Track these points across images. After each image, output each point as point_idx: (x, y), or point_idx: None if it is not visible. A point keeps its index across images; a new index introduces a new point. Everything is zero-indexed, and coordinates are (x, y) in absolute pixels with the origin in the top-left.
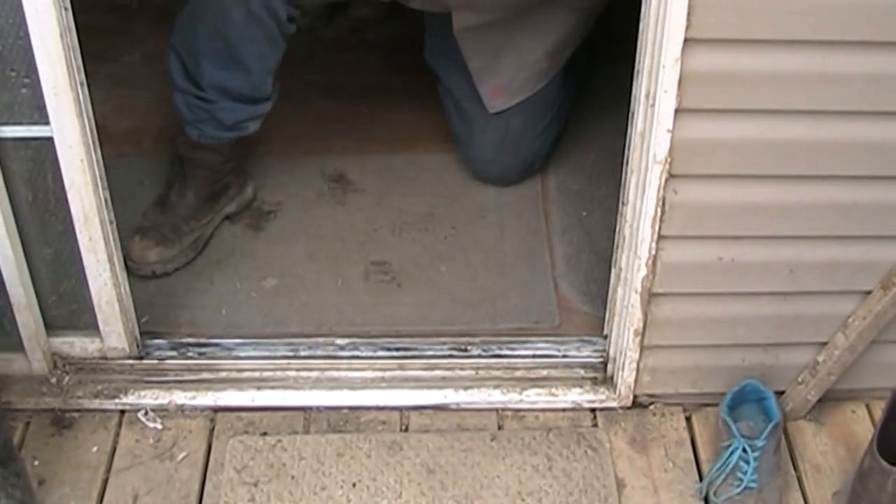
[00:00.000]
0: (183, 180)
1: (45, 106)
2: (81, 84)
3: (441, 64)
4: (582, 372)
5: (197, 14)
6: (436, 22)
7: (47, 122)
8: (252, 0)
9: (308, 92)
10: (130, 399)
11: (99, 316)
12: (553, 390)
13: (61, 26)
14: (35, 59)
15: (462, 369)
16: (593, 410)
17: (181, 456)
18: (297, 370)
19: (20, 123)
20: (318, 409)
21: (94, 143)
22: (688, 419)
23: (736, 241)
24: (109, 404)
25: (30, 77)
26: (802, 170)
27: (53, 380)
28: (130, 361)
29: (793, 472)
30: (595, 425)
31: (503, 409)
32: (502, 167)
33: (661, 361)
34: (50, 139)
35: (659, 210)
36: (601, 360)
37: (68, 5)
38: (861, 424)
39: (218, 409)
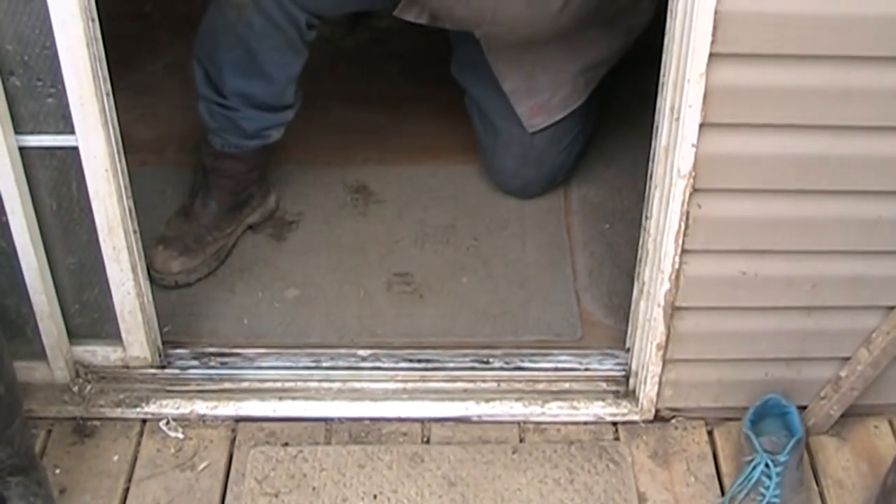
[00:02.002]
0: (207, 190)
1: (70, 115)
2: (107, 94)
3: (468, 76)
4: (604, 385)
5: (217, 23)
6: (464, 35)
7: (73, 132)
8: (271, 8)
9: (330, 102)
10: (152, 408)
11: (121, 325)
12: (575, 403)
13: (87, 36)
14: (61, 69)
15: (484, 381)
16: (615, 424)
17: (202, 466)
18: (319, 381)
19: (46, 133)
20: (340, 420)
21: (118, 152)
22: (710, 433)
23: (759, 255)
24: (131, 413)
25: (56, 87)
26: (826, 185)
27: (75, 388)
28: (152, 371)
29: (815, 487)
30: (617, 439)
31: (525, 422)
32: (525, 180)
33: (684, 375)
34: (75, 149)
35: (682, 224)
36: (623, 373)
37: (95, 16)
38: (884, 440)
39: (239, 419)
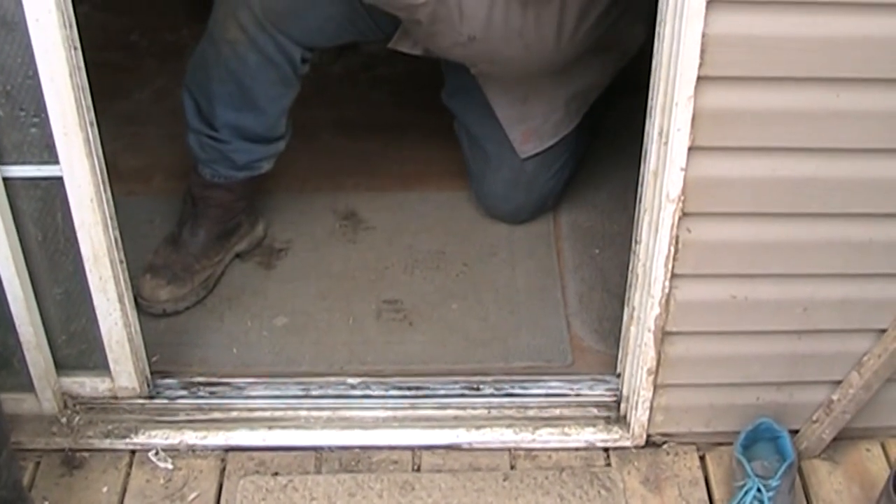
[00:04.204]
0: (195, 219)
1: (54, 146)
2: (91, 123)
3: (459, 102)
4: (595, 411)
5: (210, 56)
6: (456, 63)
7: (57, 162)
8: (267, 44)
9: (319, 128)
10: (141, 439)
11: (109, 355)
12: (566, 429)
13: (70, 66)
14: (44, 99)
15: (474, 408)
16: (606, 450)
17: (192, 496)
18: (309, 410)
19: (30, 163)
20: (330, 448)
21: (103, 182)
22: (702, 458)
23: (749, 279)
24: (120, 444)
25: (39, 117)
26: (816, 208)
27: (64, 419)
28: (141, 401)
29: None
30: (608, 465)
31: (515, 449)
32: (515, 205)
33: (675, 400)
34: (60, 179)
35: (672, 248)
36: (614, 398)
37: (78, 45)
38: (876, 463)
39: (229, 449)
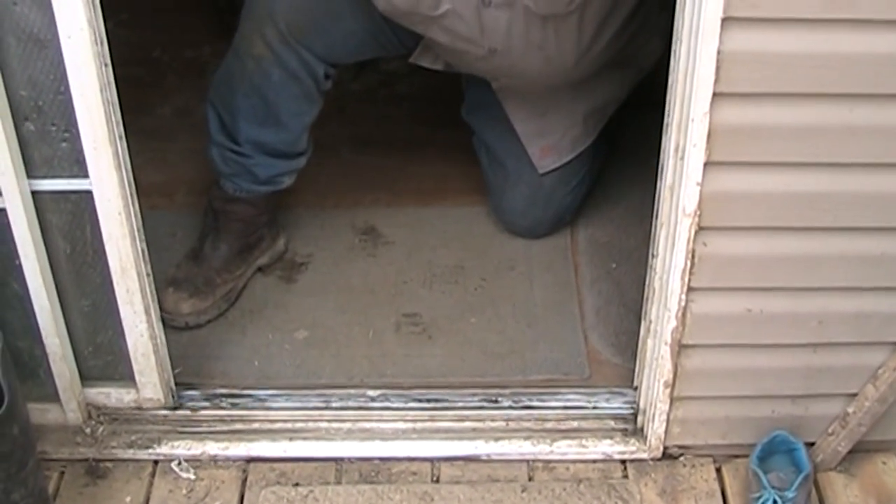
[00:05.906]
0: (216, 233)
1: (84, 160)
2: (120, 138)
3: (478, 117)
4: (612, 423)
5: (235, 71)
6: (476, 77)
7: (86, 176)
8: (290, 60)
9: (338, 144)
10: (164, 449)
11: (135, 367)
12: (583, 441)
13: (101, 81)
14: (75, 114)
15: (492, 420)
16: (624, 462)
17: None
18: (329, 421)
19: (60, 177)
20: (350, 459)
21: (131, 196)
22: (718, 470)
23: (765, 292)
24: (143, 454)
25: (70, 131)
26: (830, 222)
27: (88, 430)
28: (164, 412)
29: None
30: (625, 476)
31: (534, 461)
32: (532, 220)
33: (691, 413)
34: (89, 192)
35: (688, 262)
36: (631, 411)
37: (108, 61)
38: (892, 476)
39: (250, 460)
